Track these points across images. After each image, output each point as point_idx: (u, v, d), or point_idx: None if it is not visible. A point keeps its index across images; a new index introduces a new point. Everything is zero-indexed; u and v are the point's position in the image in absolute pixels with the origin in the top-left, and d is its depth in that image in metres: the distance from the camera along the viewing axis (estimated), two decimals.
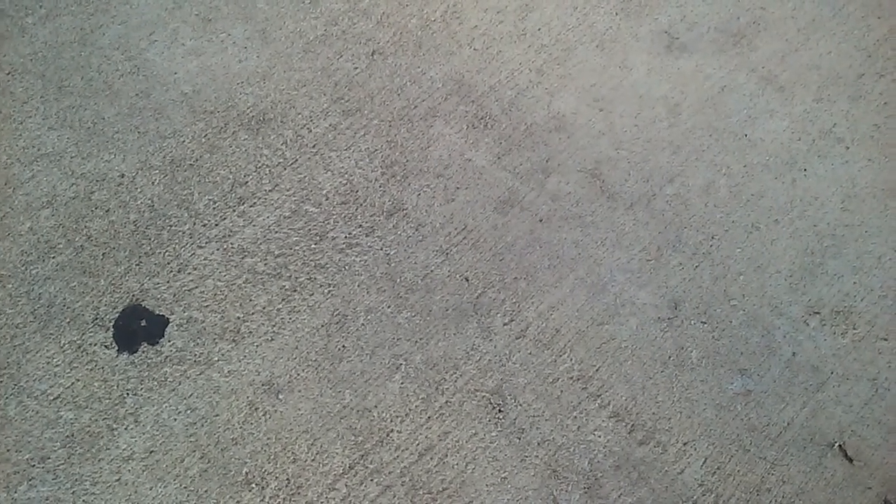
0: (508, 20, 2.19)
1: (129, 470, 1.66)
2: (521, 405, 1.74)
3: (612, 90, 2.09)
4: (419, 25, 2.18)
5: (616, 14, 2.20)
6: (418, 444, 1.70)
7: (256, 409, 1.72)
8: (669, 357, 1.79)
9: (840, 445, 1.69)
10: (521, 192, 1.96)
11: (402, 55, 2.14)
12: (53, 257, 1.85)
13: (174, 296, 1.83)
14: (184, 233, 1.90)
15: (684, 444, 1.71)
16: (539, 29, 2.18)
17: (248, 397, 1.73)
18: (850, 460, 1.67)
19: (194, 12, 2.18)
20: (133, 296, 1.82)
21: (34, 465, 1.65)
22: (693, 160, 2.00)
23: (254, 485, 1.65)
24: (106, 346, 1.77)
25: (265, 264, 1.87)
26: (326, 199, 1.95)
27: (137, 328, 1.79)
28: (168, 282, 1.84)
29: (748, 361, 1.78)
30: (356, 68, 2.12)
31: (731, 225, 1.92)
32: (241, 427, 1.71)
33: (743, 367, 1.77)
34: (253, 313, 1.82)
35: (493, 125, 2.04)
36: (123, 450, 1.68)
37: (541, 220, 1.93)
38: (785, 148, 2.00)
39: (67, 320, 1.79)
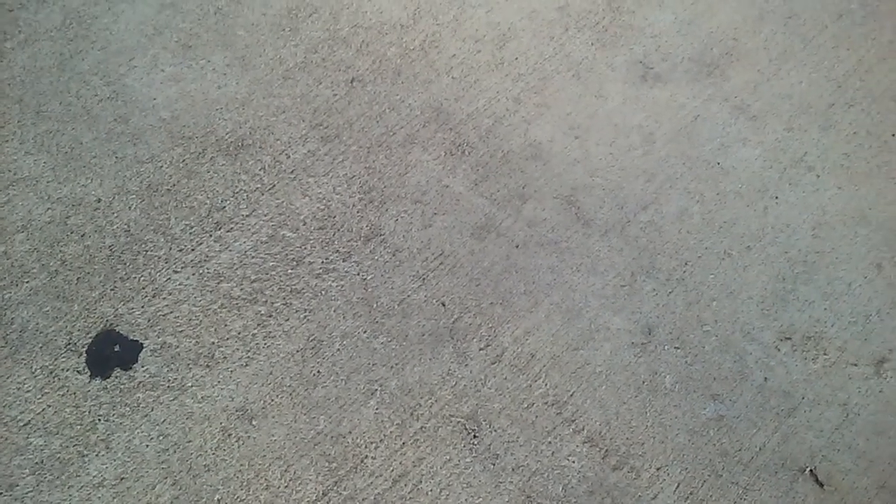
0: (486, 49, 2.22)
1: (99, 497, 1.64)
2: (495, 431, 1.74)
3: (588, 118, 2.11)
4: (398, 54, 2.21)
5: (592, 44, 2.23)
6: (392, 471, 1.70)
7: (230, 435, 1.71)
8: (643, 382, 1.80)
9: (811, 470, 1.70)
10: (497, 219, 1.98)
11: (381, 83, 2.16)
12: (27, 282, 1.85)
13: (148, 321, 1.82)
14: (159, 258, 1.90)
15: (657, 469, 1.71)
16: (516, 58, 2.21)
17: (221, 423, 1.72)
18: (822, 485, 1.68)
19: (174, 39, 2.20)
20: (107, 321, 1.82)
21: (1, 493, 1.63)
22: (667, 188, 2.02)
23: None
24: (78, 372, 1.76)
25: (241, 289, 1.87)
26: (304, 225, 1.95)
27: (111, 353, 1.78)
28: (143, 307, 1.84)
29: (721, 387, 1.79)
30: (335, 95, 2.13)
31: (704, 251, 1.94)
32: (213, 453, 1.70)
33: (715, 393, 1.78)
34: (228, 339, 1.81)
35: (470, 152, 2.06)
36: (94, 476, 1.66)
37: (517, 246, 1.95)
38: (757, 176, 2.03)
39: (40, 345, 1.78)
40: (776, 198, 2.01)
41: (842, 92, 2.14)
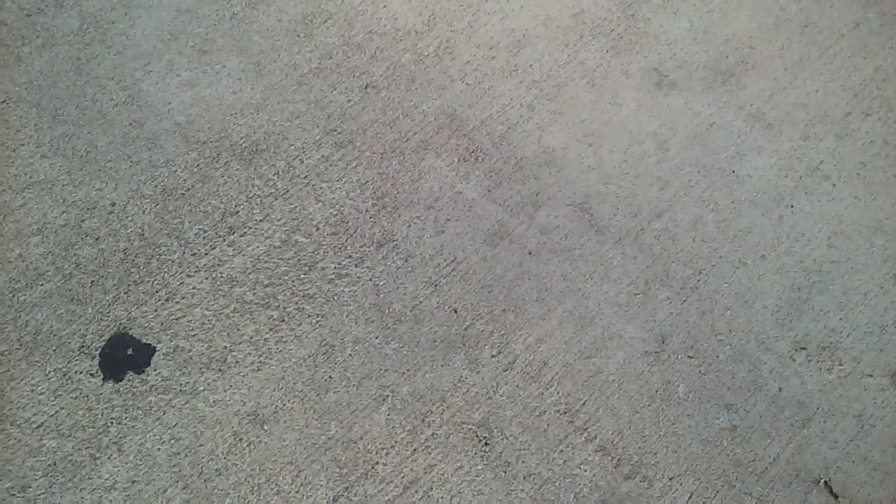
0: (500, 56, 2.22)
1: (110, 500, 1.65)
2: (507, 438, 1.73)
3: (602, 126, 2.11)
4: (412, 60, 2.21)
5: (606, 51, 2.23)
6: (403, 477, 1.69)
7: (241, 439, 1.71)
8: (656, 391, 1.79)
9: (825, 482, 1.68)
10: (510, 225, 1.97)
11: (395, 89, 2.16)
12: (41, 284, 1.86)
13: (161, 324, 1.83)
14: (173, 262, 1.90)
15: (670, 479, 1.70)
16: (530, 65, 2.21)
17: (232, 427, 1.73)
18: (836, 497, 1.67)
19: (190, 44, 2.21)
20: (120, 324, 1.82)
21: (14, 495, 1.64)
22: (681, 195, 2.01)
23: None
24: (91, 375, 1.76)
25: (254, 294, 1.87)
26: (317, 230, 1.96)
27: (123, 357, 1.79)
28: (156, 310, 1.84)
29: (734, 396, 1.78)
30: (349, 101, 2.14)
31: (719, 260, 1.93)
32: (224, 457, 1.70)
33: (729, 402, 1.77)
34: (240, 343, 1.81)
35: (483, 158, 2.06)
36: (106, 479, 1.66)
37: (530, 253, 1.94)
38: (772, 184, 2.02)
39: (53, 348, 1.79)
40: (791, 207, 1.99)
41: (858, 101, 2.13)
